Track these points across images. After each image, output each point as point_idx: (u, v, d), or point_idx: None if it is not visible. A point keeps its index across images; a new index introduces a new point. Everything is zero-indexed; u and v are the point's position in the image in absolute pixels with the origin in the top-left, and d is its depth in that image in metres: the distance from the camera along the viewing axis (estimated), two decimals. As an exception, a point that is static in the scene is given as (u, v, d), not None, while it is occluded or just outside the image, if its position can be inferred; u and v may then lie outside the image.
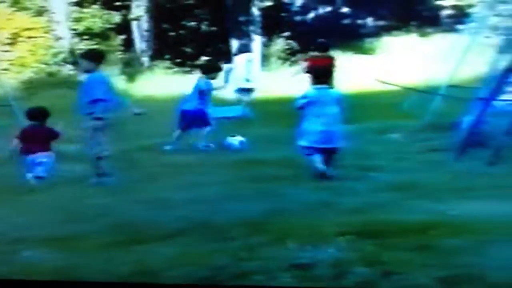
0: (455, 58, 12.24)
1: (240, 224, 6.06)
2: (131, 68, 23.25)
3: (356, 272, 4.76)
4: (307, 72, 12.77)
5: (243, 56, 19.79)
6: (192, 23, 26.39)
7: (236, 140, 11.00)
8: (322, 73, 8.99)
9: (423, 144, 9.78)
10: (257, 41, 24.31)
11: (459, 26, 21.45)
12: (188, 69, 23.07)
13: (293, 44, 24.64)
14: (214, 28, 26.05)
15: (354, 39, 26.01)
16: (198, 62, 23.07)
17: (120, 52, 23.62)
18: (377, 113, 11.30)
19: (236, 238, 5.70)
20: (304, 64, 15.15)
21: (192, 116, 11.46)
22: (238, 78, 17.70)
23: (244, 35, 24.25)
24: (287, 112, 12.59)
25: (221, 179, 8.34)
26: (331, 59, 14.77)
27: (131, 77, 22.03)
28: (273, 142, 10.45)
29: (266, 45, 24.66)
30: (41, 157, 9.15)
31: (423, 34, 25.68)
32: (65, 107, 10.55)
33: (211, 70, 12.31)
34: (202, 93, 11.64)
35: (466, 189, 6.90)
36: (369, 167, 8.66)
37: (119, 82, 20.02)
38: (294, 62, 23.53)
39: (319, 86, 8.56)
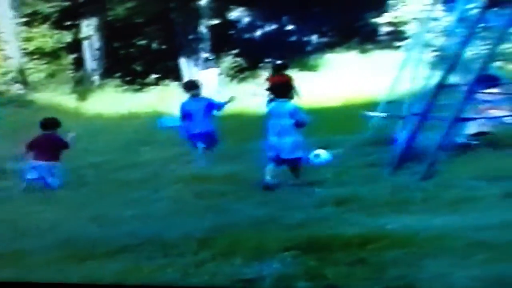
0: (393, 74, 12.34)
1: (187, 239, 6.06)
2: (82, 87, 23.03)
3: (300, 287, 4.78)
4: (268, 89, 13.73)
5: (210, 71, 19.99)
6: (143, 42, 26.28)
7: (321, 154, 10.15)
8: (277, 88, 9.62)
9: (363, 159, 9.81)
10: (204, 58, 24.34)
11: (397, 43, 21.92)
12: (138, 87, 22.96)
13: (241, 61, 24.67)
14: (164, 46, 25.96)
15: (299, 56, 26.15)
16: (147, 80, 23.04)
17: (71, 71, 23.39)
18: (320, 129, 11.32)
19: (183, 254, 5.69)
20: (267, 83, 15.87)
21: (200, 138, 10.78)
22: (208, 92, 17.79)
23: (193, 53, 24.24)
24: (235, 127, 12.69)
25: (169, 195, 8.30)
26: (288, 78, 15.42)
27: (82, 95, 21.82)
28: (220, 158, 10.40)
29: (214, 63, 24.67)
30: (51, 165, 9.39)
31: (363, 51, 25.97)
32: (13, 126, 10.44)
33: (191, 87, 11.57)
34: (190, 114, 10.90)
35: (402, 203, 6.96)
36: (313, 182, 8.66)
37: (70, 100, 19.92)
38: (242, 79, 23.61)
39: (275, 100, 9.14)
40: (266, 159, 8.82)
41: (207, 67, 22.64)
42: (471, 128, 9.70)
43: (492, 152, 9.03)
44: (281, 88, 9.63)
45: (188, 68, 23.83)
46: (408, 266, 5.03)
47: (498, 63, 11.94)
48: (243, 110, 16.59)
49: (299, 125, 8.78)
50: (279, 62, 16.96)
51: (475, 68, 8.81)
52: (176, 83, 22.48)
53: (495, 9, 8.98)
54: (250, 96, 20.15)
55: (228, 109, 12.29)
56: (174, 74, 23.47)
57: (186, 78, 22.68)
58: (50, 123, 9.83)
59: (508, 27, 8.82)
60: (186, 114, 10.82)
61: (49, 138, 9.64)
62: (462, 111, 8.68)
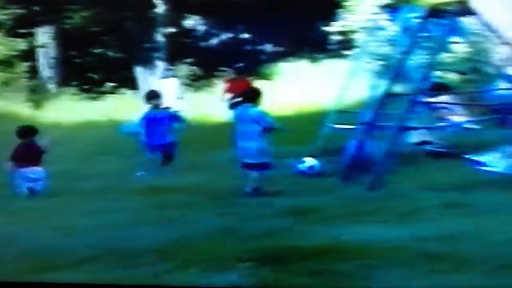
0: (342, 83, 12.44)
1: (146, 250, 6.10)
2: (37, 95, 22.75)
3: (256, 298, 4.89)
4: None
5: (170, 81, 19.96)
6: (99, 50, 26.04)
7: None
8: (246, 94, 9.55)
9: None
10: (161, 67, 24.23)
11: (346, 52, 22.12)
12: (94, 95, 22.77)
13: (196, 70, 24.63)
14: (120, 55, 25.76)
15: (254, 65, 26.23)
16: (103, 88, 22.86)
17: (25, 79, 23.10)
18: (274, 139, 11.42)
19: (142, 265, 5.73)
20: (225, 86, 16.60)
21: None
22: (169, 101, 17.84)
23: (149, 62, 24.12)
24: (195, 137, 12.68)
25: (128, 206, 8.30)
26: (247, 81, 15.82)
27: (37, 103, 21.56)
28: (180, 168, 10.42)
29: (168, 71, 24.56)
30: (34, 172, 9.49)
31: (314, 60, 26.13)
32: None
33: (151, 97, 11.41)
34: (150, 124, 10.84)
35: (355, 214, 7.10)
36: (272, 193, 8.75)
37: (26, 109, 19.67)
38: (197, 88, 23.56)
39: (241, 105, 9.38)
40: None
41: (167, 76, 22.61)
42: (415, 137, 9.86)
43: (435, 162, 9.22)
44: (249, 94, 9.58)
45: (144, 77, 23.70)
46: (361, 277, 5.19)
47: (438, 73, 12.12)
48: (203, 120, 16.61)
49: (266, 130, 8.93)
50: (240, 64, 17.12)
51: (417, 77, 8.91)
52: (132, 91, 22.40)
53: (435, 19, 9.06)
54: (211, 104, 20.24)
55: (188, 119, 12.27)
56: (130, 83, 23.33)
57: (142, 86, 22.62)
58: (27, 131, 9.88)
59: (447, 37, 8.95)
60: (147, 125, 10.77)
61: (29, 146, 9.70)
62: (406, 120, 8.76)
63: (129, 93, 22.51)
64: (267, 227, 6.92)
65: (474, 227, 6.13)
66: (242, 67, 17.09)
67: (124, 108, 19.06)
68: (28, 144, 9.72)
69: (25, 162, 9.52)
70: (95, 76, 24.79)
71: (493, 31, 8.45)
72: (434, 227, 6.20)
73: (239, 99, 9.69)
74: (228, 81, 17.71)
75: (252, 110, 9.07)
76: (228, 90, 17.36)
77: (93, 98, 22.20)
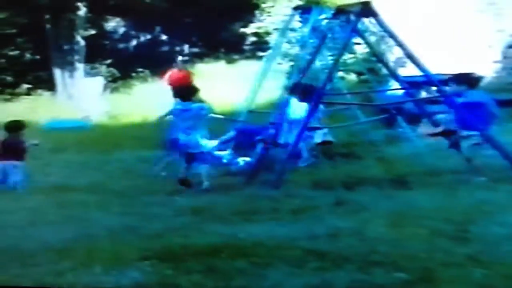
0: (254, 84, 12.44)
1: (46, 250, 5.90)
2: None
3: (156, 295, 4.78)
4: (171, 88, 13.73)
5: (95, 80, 19.67)
6: (15, 52, 25.28)
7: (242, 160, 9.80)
8: (181, 90, 9.78)
9: (221, 168, 9.88)
10: (80, 68, 23.75)
11: (260, 53, 22.23)
12: (8, 97, 22.12)
13: (114, 71, 24.24)
14: (37, 57, 25.07)
15: (170, 66, 26.01)
16: (18, 90, 22.27)
17: None
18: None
19: (41, 264, 5.54)
20: (166, 77, 16.68)
21: None
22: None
23: (68, 63, 23.60)
24: (98, 138, 12.49)
25: (29, 205, 8.01)
26: (188, 72, 16.44)
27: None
28: (83, 168, 10.20)
29: (88, 73, 24.11)
30: (16, 165, 9.46)
31: (229, 61, 26.15)
32: None
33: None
34: None
35: (253, 212, 7.05)
36: (174, 192, 8.68)
37: None
38: (115, 89, 23.21)
39: (180, 100, 9.35)
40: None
41: (92, 76, 22.27)
42: (317, 137, 9.93)
43: (327, 161, 9.31)
44: (185, 90, 9.74)
45: (62, 78, 23.19)
46: (253, 275, 5.11)
47: (340, 73, 12.27)
48: (106, 121, 16.40)
49: (202, 122, 9.10)
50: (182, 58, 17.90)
51: (323, 78, 8.89)
52: (49, 93, 21.90)
53: (340, 20, 9.11)
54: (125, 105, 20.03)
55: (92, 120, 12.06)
56: (47, 84, 22.79)
57: (59, 88, 22.18)
58: (15, 126, 9.86)
59: (351, 38, 9.03)
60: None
61: (14, 140, 9.68)
62: (309, 121, 8.73)
63: (46, 94, 22.01)
64: (168, 225, 6.80)
65: (355, 224, 6.19)
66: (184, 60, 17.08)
67: (40, 109, 18.63)
68: (13, 138, 9.68)
69: (8, 156, 9.47)
70: (9, 77, 24.06)
71: (389, 32, 8.55)
72: (322, 225, 6.21)
73: (177, 96, 9.64)
74: (171, 73, 17.75)
75: (191, 105, 9.17)
76: (170, 82, 17.26)
77: (7, 100, 21.58)
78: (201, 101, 9.87)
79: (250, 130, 10.28)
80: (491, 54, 16.27)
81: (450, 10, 17.33)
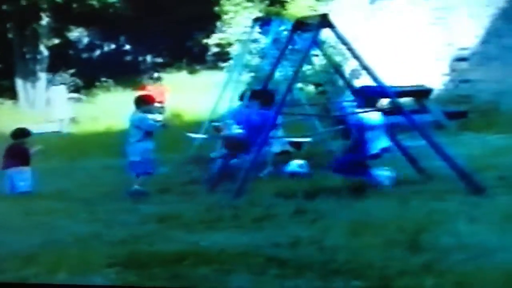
0: (216, 94, 12.42)
1: (12, 256, 5.82)
2: None
3: (121, 302, 4.78)
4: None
5: (60, 88, 19.50)
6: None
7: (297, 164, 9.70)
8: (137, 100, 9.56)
9: (185, 177, 9.87)
10: (43, 78, 23.47)
11: (222, 64, 22.25)
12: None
13: (77, 80, 24.00)
14: (-1, 65, 24.61)
15: (133, 75, 25.93)
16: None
17: None
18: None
19: (7, 271, 5.47)
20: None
21: None
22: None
23: (31, 73, 23.29)
24: (65, 145, 12.35)
25: (-5, 212, 7.93)
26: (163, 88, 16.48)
27: None
28: (50, 175, 10.08)
29: (50, 81, 23.82)
30: (22, 172, 9.38)
31: (192, 71, 26.11)
32: None
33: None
34: None
35: (215, 220, 7.05)
36: (139, 200, 8.60)
37: None
38: (78, 100, 22.95)
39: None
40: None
41: (57, 84, 22.03)
42: (276, 147, 9.96)
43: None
44: (135, 101, 9.62)
45: (24, 87, 22.88)
46: (216, 282, 5.14)
47: (299, 84, 12.32)
48: (75, 129, 16.22)
49: (147, 133, 9.09)
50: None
51: (283, 89, 8.92)
52: (11, 101, 21.58)
53: (300, 32, 9.14)
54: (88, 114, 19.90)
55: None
56: (9, 93, 22.48)
57: (22, 96, 21.90)
58: (20, 133, 9.83)
59: (310, 49, 9.08)
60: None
61: (19, 147, 9.64)
62: (271, 130, 8.69)
63: (7, 103, 21.68)
64: (133, 232, 6.76)
65: (315, 232, 6.24)
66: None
67: (2, 117, 18.29)
68: (18, 145, 9.63)
69: (14, 162, 9.40)
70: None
71: (346, 44, 8.63)
72: (283, 233, 6.26)
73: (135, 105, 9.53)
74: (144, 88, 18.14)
75: (138, 115, 9.20)
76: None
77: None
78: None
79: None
80: (439, 67, 16.55)
81: (403, 23, 17.60)
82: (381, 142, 8.34)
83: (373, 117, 8.39)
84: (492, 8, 15.21)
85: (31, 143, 9.85)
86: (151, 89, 19.19)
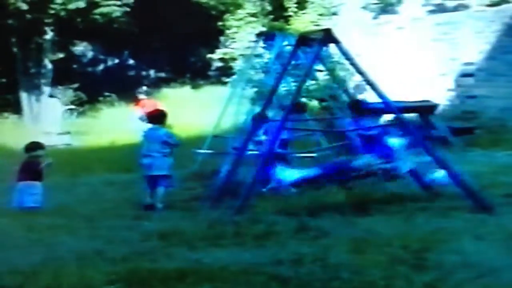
0: (220, 109, 12.42)
1: (13, 273, 5.78)
2: None
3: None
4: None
5: (54, 102, 19.62)
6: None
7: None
8: (152, 116, 9.98)
9: (187, 193, 9.84)
10: (47, 92, 23.54)
11: (225, 79, 22.31)
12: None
13: (81, 94, 24.06)
14: (4, 80, 24.68)
15: (137, 90, 25.90)
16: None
17: None
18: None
19: (7, 287, 5.44)
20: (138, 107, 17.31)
21: None
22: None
23: (35, 87, 23.36)
24: (66, 161, 12.31)
25: (-3, 229, 7.88)
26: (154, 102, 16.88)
27: None
28: (51, 191, 10.03)
29: (54, 96, 23.88)
30: (34, 186, 9.27)
31: (195, 86, 26.16)
32: None
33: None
34: None
35: (217, 237, 7.00)
36: (141, 216, 8.60)
37: None
38: (81, 113, 23.02)
39: (150, 126, 9.76)
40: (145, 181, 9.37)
41: (52, 97, 22.14)
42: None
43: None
44: (156, 116, 9.91)
45: (28, 101, 22.93)
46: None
47: (303, 100, 12.30)
48: (75, 145, 16.17)
49: (171, 147, 9.42)
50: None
51: (287, 104, 8.88)
52: (15, 116, 21.61)
53: (303, 47, 9.10)
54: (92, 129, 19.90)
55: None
56: (13, 107, 22.53)
57: (26, 110, 21.95)
58: (33, 147, 9.74)
59: (313, 65, 9.06)
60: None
61: (31, 161, 9.53)
62: (274, 145, 8.68)
63: (12, 117, 21.70)
64: (135, 249, 6.72)
65: (317, 250, 6.19)
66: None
67: (7, 132, 18.32)
68: (31, 159, 9.56)
69: (25, 176, 9.34)
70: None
71: (350, 59, 8.60)
72: (285, 251, 6.21)
73: (149, 121, 9.97)
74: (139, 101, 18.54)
75: (161, 130, 9.52)
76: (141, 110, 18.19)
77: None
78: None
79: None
80: (444, 83, 16.53)
81: (407, 38, 17.63)
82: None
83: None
84: (497, 24, 15.21)
85: (44, 157, 9.74)
86: (145, 104, 19.54)
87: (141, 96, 20.72)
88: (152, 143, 9.42)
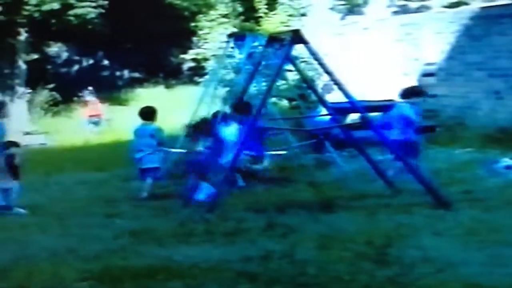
0: (191, 109, 12.32)
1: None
2: None
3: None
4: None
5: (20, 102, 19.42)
6: None
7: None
8: (144, 113, 10.28)
9: (159, 191, 9.78)
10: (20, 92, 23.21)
11: (198, 79, 22.21)
12: None
13: (56, 95, 23.72)
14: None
15: (111, 90, 25.81)
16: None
17: None
18: (125, 161, 11.18)
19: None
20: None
21: None
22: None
23: (8, 87, 23.02)
24: (39, 161, 12.17)
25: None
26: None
27: None
28: (23, 190, 9.86)
29: (28, 96, 23.54)
30: (8, 184, 8.91)
31: (168, 86, 26.04)
32: None
33: None
34: None
35: (188, 234, 6.98)
36: (114, 214, 8.54)
37: None
38: (56, 113, 22.76)
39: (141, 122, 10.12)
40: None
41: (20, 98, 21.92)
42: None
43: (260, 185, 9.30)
44: (147, 113, 10.26)
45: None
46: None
47: (273, 99, 12.29)
48: (49, 145, 15.97)
49: (159, 143, 9.87)
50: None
51: (257, 103, 8.83)
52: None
53: (273, 47, 9.06)
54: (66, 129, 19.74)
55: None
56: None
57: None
58: (8, 145, 9.30)
59: (283, 64, 9.06)
60: None
61: (4, 160, 9.10)
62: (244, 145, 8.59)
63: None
64: (107, 247, 6.67)
65: (285, 247, 6.20)
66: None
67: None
68: (5, 158, 9.12)
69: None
70: None
71: (318, 59, 8.61)
72: (254, 248, 6.21)
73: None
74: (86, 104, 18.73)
75: (150, 126, 9.99)
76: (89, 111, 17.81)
77: None
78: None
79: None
80: (407, 82, 16.65)
81: (372, 38, 17.73)
82: None
83: None
84: (456, 25, 15.38)
85: (19, 155, 9.38)
86: (92, 104, 19.63)
87: (88, 98, 20.90)
88: (142, 138, 9.89)
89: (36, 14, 22.20)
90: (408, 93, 9.86)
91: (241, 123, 9.18)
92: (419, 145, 9.53)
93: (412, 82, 16.41)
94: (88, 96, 21.55)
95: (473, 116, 14.06)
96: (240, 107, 9.48)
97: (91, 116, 21.01)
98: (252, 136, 9.24)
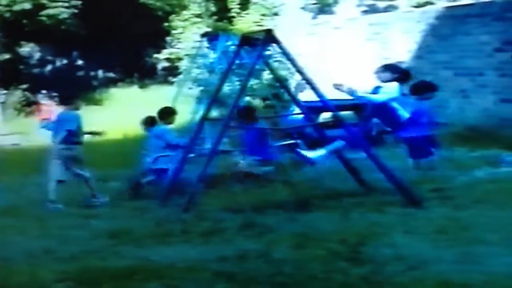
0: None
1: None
2: None
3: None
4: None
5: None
6: None
7: None
8: (161, 114, 10.41)
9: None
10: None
11: (172, 78, 22.12)
12: None
13: (29, 95, 23.47)
14: None
15: (85, 90, 25.53)
16: None
17: None
18: (101, 162, 11.12)
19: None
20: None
21: None
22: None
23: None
24: (16, 161, 12.03)
25: None
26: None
27: None
28: (1, 191, 9.80)
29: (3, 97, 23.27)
30: None
31: (142, 86, 25.90)
32: None
33: None
34: None
35: (165, 235, 6.97)
36: (90, 215, 8.49)
37: None
38: (29, 113, 22.51)
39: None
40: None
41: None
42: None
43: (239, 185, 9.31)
44: (164, 114, 10.38)
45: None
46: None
47: (247, 98, 12.30)
48: (27, 145, 15.78)
49: (168, 145, 9.90)
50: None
51: (231, 103, 8.85)
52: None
53: (247, 47, 9.03)
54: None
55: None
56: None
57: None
58: None
59: (256, 64, 9.07)
60: None
61: None
62: (219, 145, 8.60)
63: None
64: (84, 248, 6.65)
65: (262, 246, 6.23)
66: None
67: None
68: None
69: None
70: None
71: (290, 59, 8.64)
72: (230, 247, 6.23)
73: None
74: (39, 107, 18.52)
75: (160, 128, 10.17)
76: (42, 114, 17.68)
77: None
78: None
79: None
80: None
81: (343, 38, 17.83)
82: None
83: None
84: (423, 24, 15.53)
85: None
86: (45, 107, 19.54)
87: (42, 101, 20.69)
88: (153, 139, 10.11)
89: (7, 14, 21.91)
90: (419, 89, 9.79)
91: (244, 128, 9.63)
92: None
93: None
94: (42, 99, 21.31)
95: (441, 115, 14.22)
96: (243, 113, 9.61)
97: (44, 119, 20.81)
98: (256, 139, 9.41)
